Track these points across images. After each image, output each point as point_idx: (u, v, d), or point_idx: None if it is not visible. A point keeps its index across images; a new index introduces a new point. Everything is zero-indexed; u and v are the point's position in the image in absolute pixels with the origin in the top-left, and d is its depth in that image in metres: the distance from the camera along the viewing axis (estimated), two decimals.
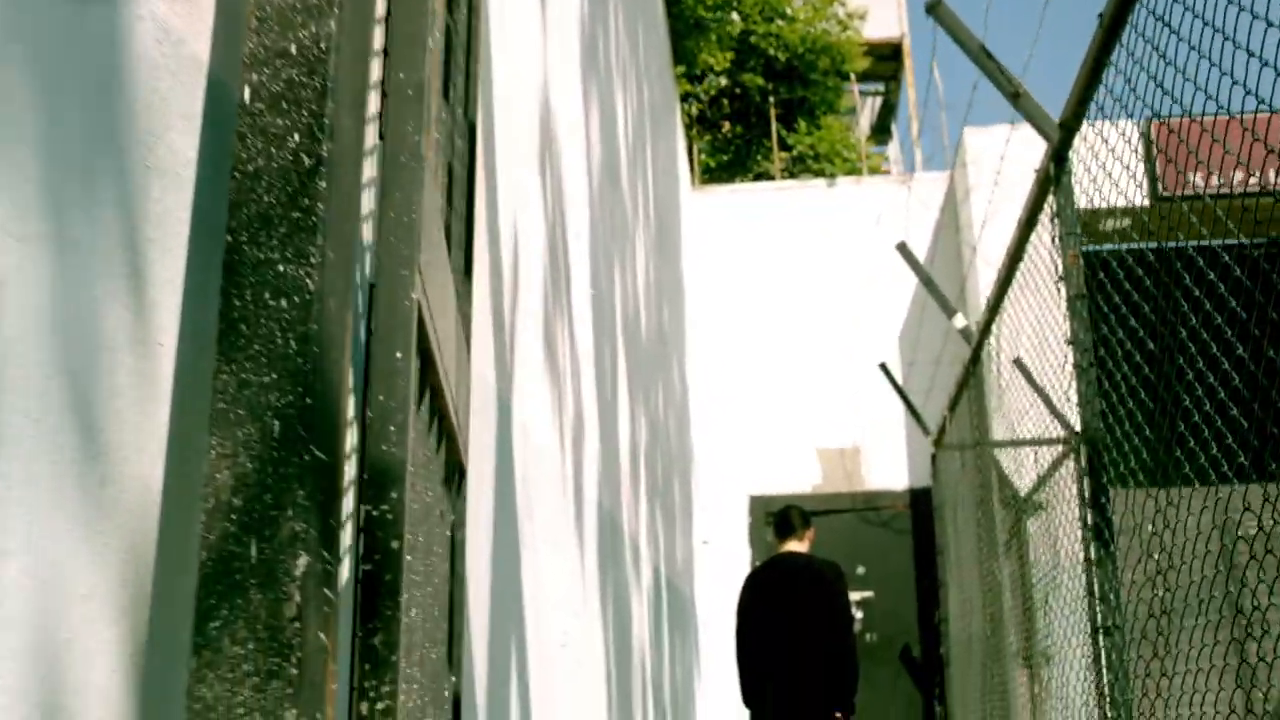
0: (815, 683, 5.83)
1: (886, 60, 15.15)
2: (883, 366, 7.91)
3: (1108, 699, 2.96)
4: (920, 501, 9.92)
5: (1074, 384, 5.95)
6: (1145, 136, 9.46)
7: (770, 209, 10.39)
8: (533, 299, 3.57)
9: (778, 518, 6.22)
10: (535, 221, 3.67)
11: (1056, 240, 3.28)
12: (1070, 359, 5.34)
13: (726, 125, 13.04)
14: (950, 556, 7.42)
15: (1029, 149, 7.95)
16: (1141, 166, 3.82)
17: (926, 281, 5.69)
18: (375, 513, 1.34)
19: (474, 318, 2.87)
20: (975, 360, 5.32)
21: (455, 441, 2.13)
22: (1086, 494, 3.07)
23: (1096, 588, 3.09)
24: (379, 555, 1.33)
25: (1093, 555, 3.07)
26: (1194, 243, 3.02)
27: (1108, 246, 4.92)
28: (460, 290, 2.32)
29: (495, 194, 3.10)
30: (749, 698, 5.98)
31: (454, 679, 2.21)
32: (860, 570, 9.58)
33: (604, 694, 4.53)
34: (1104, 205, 3.52)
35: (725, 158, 12.77)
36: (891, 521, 9.81)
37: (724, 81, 12.56)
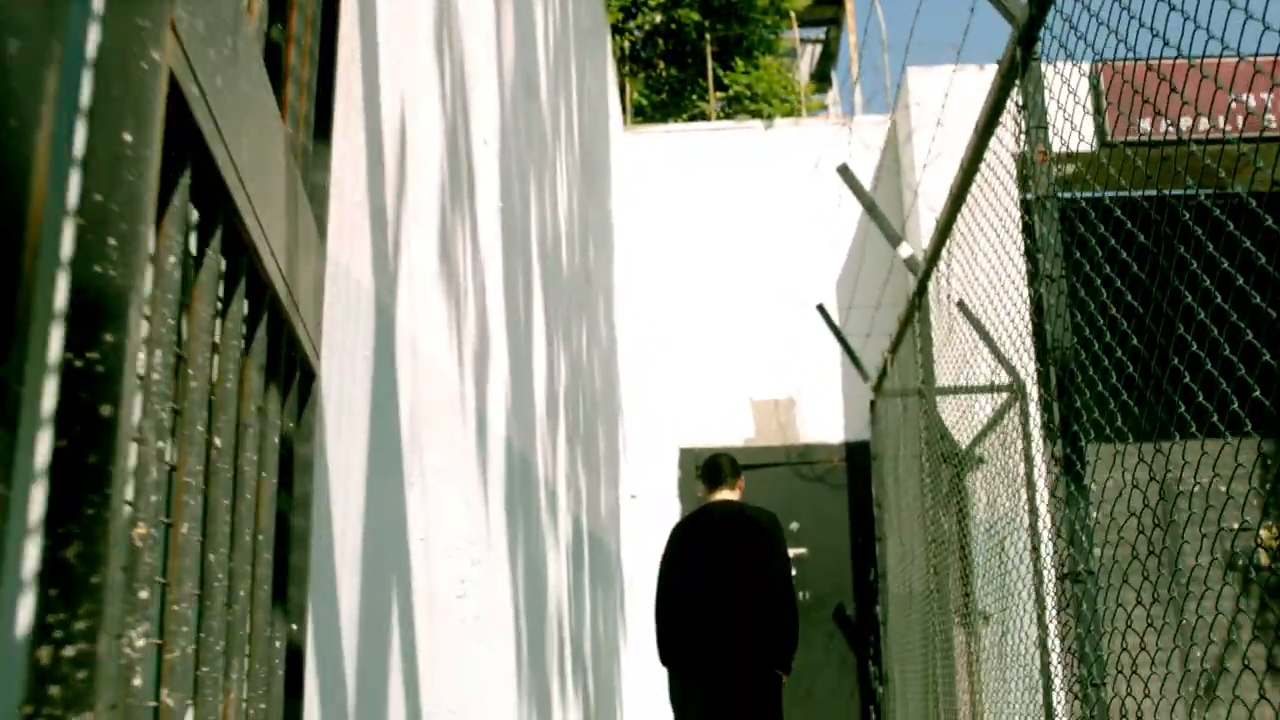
0: (751, 639, 5.44)
1: (827, 3, 14.74)
2: (820, 308, 7.52)
3: (1075, 654, 2.58)
4: (857, 456, 9.58)
5: (1023, 330, 5.58)
6: (1093, 81, 9.12)
7: (705, 150, 9.94)
8: (426, 199, 3.12)
9: (706, 466, 5.84)
10: (432, 111, 3.22)
11: (1021, 138, 2.88)
12: (1025, 296, 4.98)
13: (661, 65, 12.56)
14: (889, 509, 7.06)
15: (973, 89, 7.56)
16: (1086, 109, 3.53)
17: (869, 207, 5.30)
18: (79, 363, 0.91)
19: (341, 202, 2.43)
20: (921, 292, 4.93)
21: (289, 327, 1.69)
22: (1055, 423, 2.68)
23: (1064, 530, 2.71)
24: (79, 425, 0.90)
25: (1060, 493, 2.69)
26: (1141, 192, 2.83)
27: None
28: (302, 148, 1.88)
29: (376, 61, 2.65)
30: (668, 655, 5.60)
31: (292, 626, 1.79)
32: (794, 527, 9.23)
33: (512, 652, 4.12)
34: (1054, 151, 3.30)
35: (660, 98, 12.30)
36: (827, 476, 9.46)
37: (659, 18, 12.08)
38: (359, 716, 2.46)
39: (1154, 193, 2.70)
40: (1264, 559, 9.70)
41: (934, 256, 4.54)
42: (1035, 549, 6.63)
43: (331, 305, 2.35)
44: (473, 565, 3.54)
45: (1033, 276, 3.94)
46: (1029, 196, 2.82)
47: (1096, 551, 2.96)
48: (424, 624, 2.98)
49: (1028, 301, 4.74)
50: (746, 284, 9.75)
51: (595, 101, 7.92)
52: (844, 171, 5.39)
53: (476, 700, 3.57)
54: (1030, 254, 2.88)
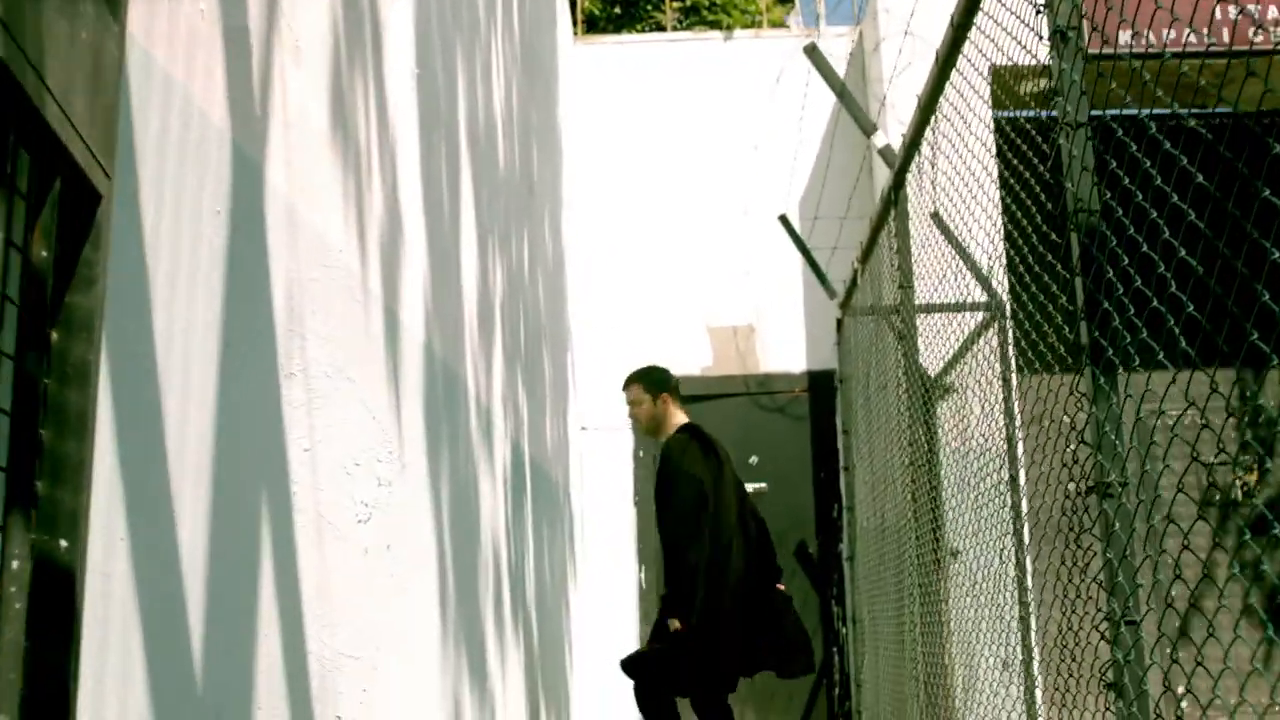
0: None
1: None
2: (783, 219, 6.97)
3: (1104, 586, 2.09)
4: (820, 385, 9.10)
5: (999, 250, 5.07)
6: None
7: (661, 63, 9.34)
8: (307, 33, 2.56)
9: (670, 377, 5.38)
10: None
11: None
12: (997, 209, 4.47)
13: None
14: (858, 436, 6.58)
15: None
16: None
17: (840, 92, 4.78)
18: None
19: (195, 35, 1.88)
20: (898, 185, 4.41)
21: (40, 122, 1.17)
22: (1079, 301, 2.17)
23: (1091, 432, 2.22)
24: None
25: (1086, 388, 2.19)
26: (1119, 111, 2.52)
27: (1026, 113, 4.04)
28: None
29: None
30: (730, 595, 5.24)
31: (61, 542, 1.28)
32: (753, 460, 8.74)
33: (435, 590, 3.61)
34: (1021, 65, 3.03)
35: (614, 10, 11.67)
36: (788, 407, 8.97)
37: None
38: (209, 662, 1.94)
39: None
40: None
41: (914, 141, 4.02)
42: (1014, 479, 6.19)
43: (160, 138, 1.81)
44: (380, 486, 3.02)
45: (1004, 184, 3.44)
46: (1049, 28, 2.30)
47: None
48: (308, 553, 2.46)
49: (998, 219, 4.24)
50: (704, 203, 9.21)
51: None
52: (812, 52, 4.86)
53: (388, 644, 3.06)
54: (1048, 96, 2.37)
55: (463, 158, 4.26)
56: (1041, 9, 2.56)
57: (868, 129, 4.64)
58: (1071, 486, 2.70)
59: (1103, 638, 2.18)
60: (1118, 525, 2.09)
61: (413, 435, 3.37)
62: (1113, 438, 2.16)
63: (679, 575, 5.09)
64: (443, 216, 3.90)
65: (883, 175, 7.64)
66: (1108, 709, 2.14)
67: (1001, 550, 5.72)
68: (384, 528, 3.05)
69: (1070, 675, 2.83)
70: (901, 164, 4.26)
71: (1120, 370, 2.24)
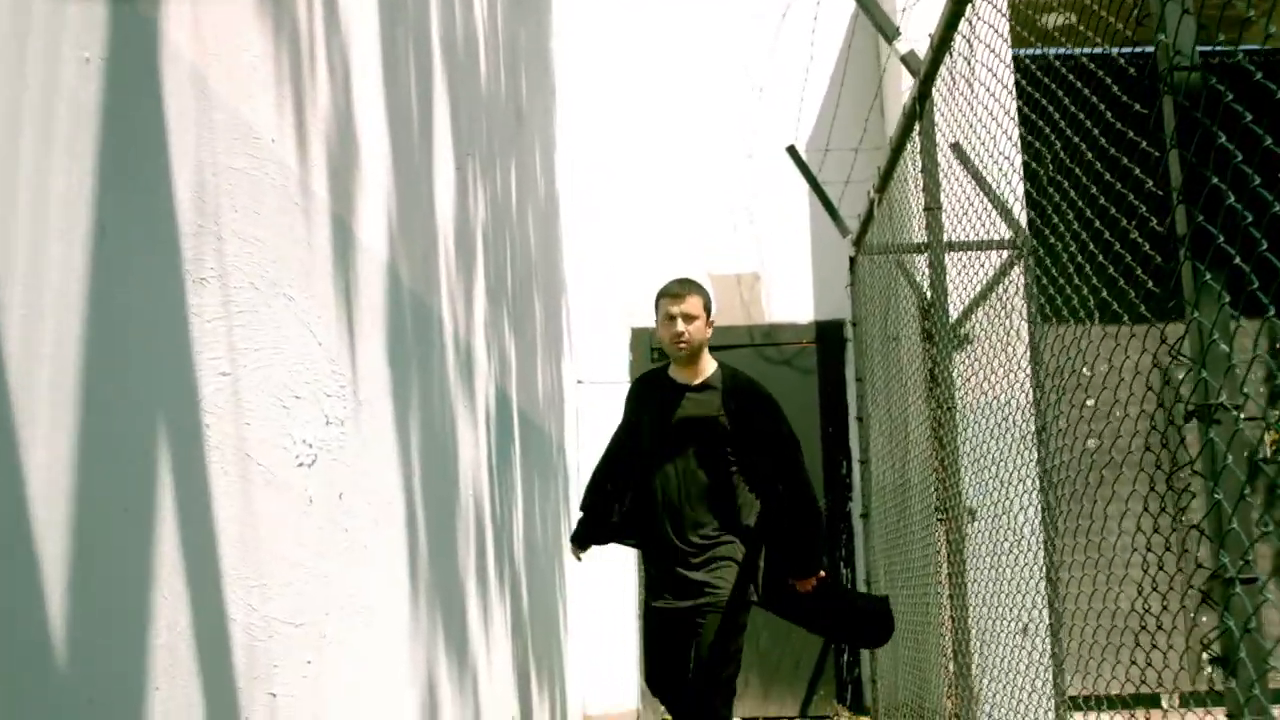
0: None
1: None
2: (791, 150, 6.48)
3: (1212, 534, 1.65)
4: (829, 336, 8.64)
5: (1021, 185, 4.61)
6: None
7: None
8: None
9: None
10: None
11: None
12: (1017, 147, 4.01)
13: None
14: (874, 385, 6.12)
15: None
16: None
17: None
18: None
19: None
20: (923, 97, 3.94)
21: None
22: (1174, 180, 1.73)
23: (1192, 341, 1.78)
24: None
25: (1188, 291, 1.75)
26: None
27: (1053, 51, 3.62)
28: None
29: None
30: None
31: None
32: None
33: (402, 546, 3.18)
34: None
35: None
36: (795, 359, 8.51)
37: None
38: (79, 637, 1.51)
39: None
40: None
41: (945, 39, 3.54)
42: (1040, 431, 5.75)
43: None
44: (328, 425, 2.58)
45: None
46: None
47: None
48: (226, 499, 2.03)
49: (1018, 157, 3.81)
50: (707, 147, 8.71)
51: None
52: None
53: (342, 609, 2.63)
54: None
55: (435, 63, 3.80)
56: None
57: (889, 33, 4.19)
58: (1159, 417, 2.27)
59: (1206, 600, 1.75)
60: (1230, 459, 1.65)
61: (372, 369, 2.93)
62: (1224, 347, 1.72)
63: (810, 517, 4.52)
64: (409, 125, 3.44)
65: (897, 110, 7.16)
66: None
67: (1040, 504, 5.29)
68: (334, 473, 2.61)
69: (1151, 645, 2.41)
70: (928, 69, 3.80)
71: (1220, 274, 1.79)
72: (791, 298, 8.60)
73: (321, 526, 2.52)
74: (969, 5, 3.28)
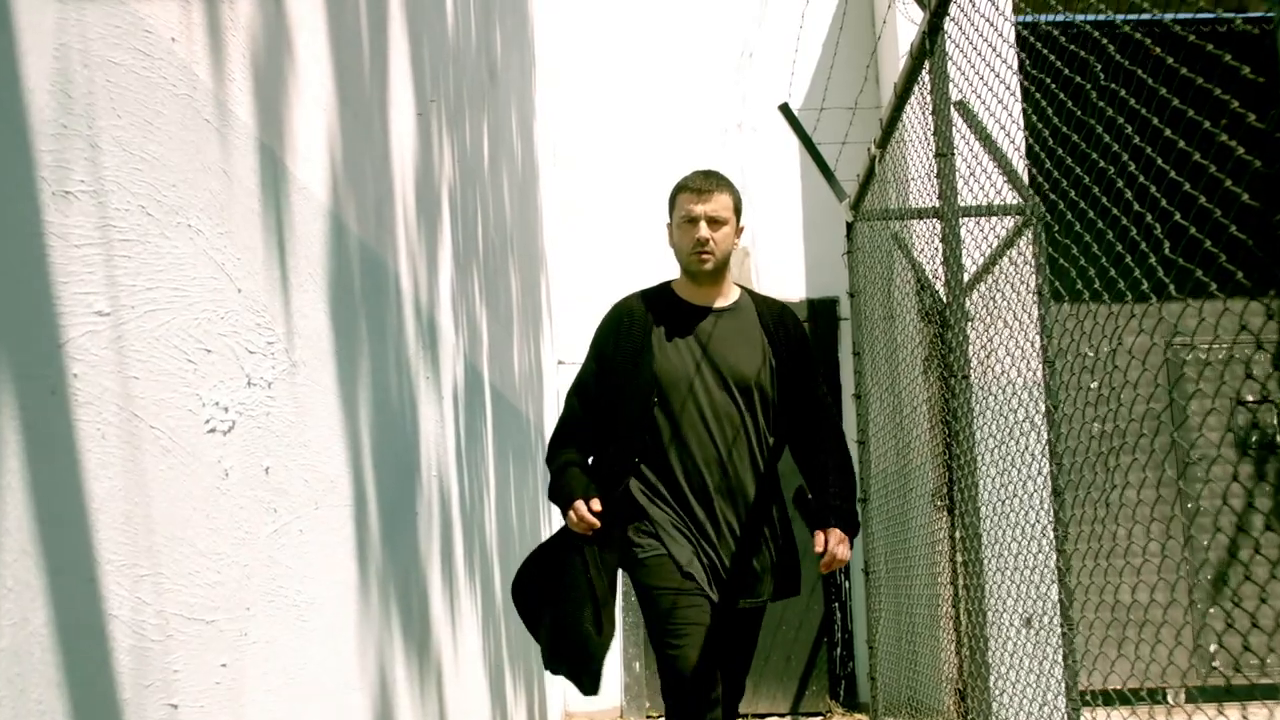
0: None
1: None
2: (784, 108, 6.09)
3: None
4: (822, 315, 8.27)
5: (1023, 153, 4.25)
6: None
7: None
8: None
9: None
10: None
11: None
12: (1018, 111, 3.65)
13: None
14: (872, 360, 5.74)
15: None
16: None
17: None
18: None
19: None
20: (934, 31, 3.55)
21: None
22: None
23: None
24: None
25: None
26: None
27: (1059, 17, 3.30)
28: None
29: None
30: None
31: None
32: None
33: (348, 529, 2.79)
34: None
35: None
36: None
37: None
38: None
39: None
40: None
41: None
42: (1051, 412, 5.40)
43: None
44: (250, 386, 2.19)
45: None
46: None
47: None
48: (104, 470, 1.64)
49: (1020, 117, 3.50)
50: (694, 118, 8.33)
51: None
52: None
53: (268, 603, 2.25)
54: None
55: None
56: None
57: None
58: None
59: None
60: None
61: (310, 327, 2.54)
62: None
63: (850, 469, 3.60)
64: (358, 54, 3.05)
65: (893, 75, 6.78)
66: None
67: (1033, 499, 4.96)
68: (259, 443, 2.22)
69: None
70: (934, 12, 3.42)
71: None
72: (783, 275, 8.23)
73: (242, 506, 2.13)
74: None
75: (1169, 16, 2.45)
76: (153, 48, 1.83)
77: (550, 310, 7.76)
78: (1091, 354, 3.74)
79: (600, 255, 8.18)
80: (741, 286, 3.69)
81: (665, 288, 3.65)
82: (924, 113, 3.79)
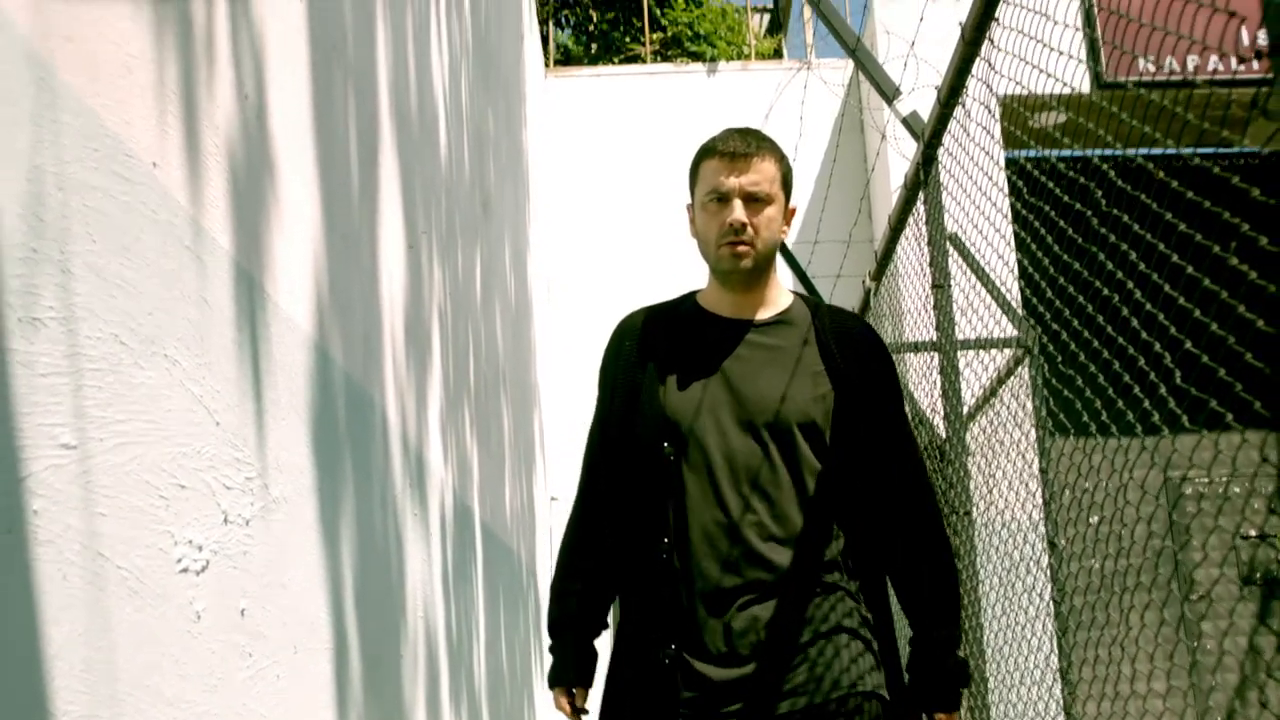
0: None
1: None
2: (781, 246, 6.08)
3: None
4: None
5: (1017, 288, 4.23)
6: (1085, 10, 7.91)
7: (639, 97, 8.51)
8: None
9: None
10: None
11: None
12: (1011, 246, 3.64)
13: (593, 11, 11.08)
14: None
15: (950, 20, 6.19)
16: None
17: (853, 50, 3.92)
18: None
19: None
20: (929, 162, 3.54)
21: None
22: None
23: None
24: None
25: None
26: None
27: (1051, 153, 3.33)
28: None
29: None
30: None
31: None
32: None
33: (328, 675, 2.67)
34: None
35: (594, 46, 10.84)
36: None
37: None
38: None
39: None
40: None
41: (955, 88, 3.15)
42: (1054, 549, 5.30)
43: None
44: (227, 524, 2.09)
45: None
46: None
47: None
48: (69, 611, 1.53)
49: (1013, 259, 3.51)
50: (690, 248, 8.34)
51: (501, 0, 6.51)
52: (816, 1, 4.02)
53: None
54: None
55: (382, 120, 3.38)
56: None
57: (889, 93, 3.81)
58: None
59: None
60: None
61: (290, 460, 2.45)
62: None
63: (951, 573, 2.50)
64: (347, 184, 3.01)
65: (887, 209, 6.80)
66: None
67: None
68: (234, 584, 2.12)
69: None
70: (934, 127, 3.41)
71: None
72: None
73: (214, 651, 2.01)
74: (986, 42, 2.90)
75: (1168, 151, 2.42)
76: (132, 172, 1.77)
77: (543, 444, 7.67)
78: (1091, 489, 3.67)
79: (594, 387, 8.11)
80: (798, 293, 2.67)
81: (687, 299, 2.69)
82: (919, 244, 3.77)
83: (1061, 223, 2.69)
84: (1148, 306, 2.28)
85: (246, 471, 2.19)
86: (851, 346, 2.49)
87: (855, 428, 2.41)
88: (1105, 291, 2.58)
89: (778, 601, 2.34)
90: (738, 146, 2.45)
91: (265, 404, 2.31)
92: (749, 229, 2.43)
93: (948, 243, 4.18)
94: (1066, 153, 2.97)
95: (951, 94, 3.19)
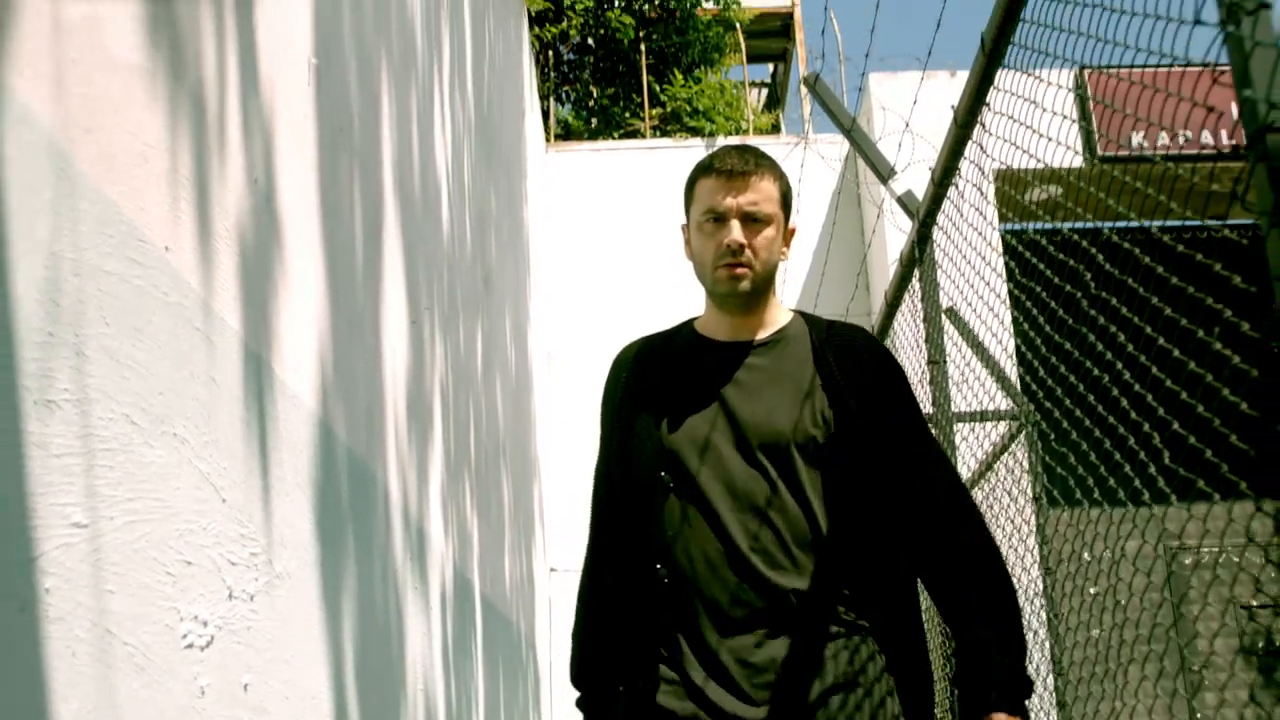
0: None
1: (776, 36, 13.58)
2: None
3: None
4: None
5: (1014, 359, 4.29)
6: (1078, 88, 8.03)
7: (639, 171, 8.63)
8: None
9: None
10: None
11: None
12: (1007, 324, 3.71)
13: (593, 87, 11.25)
14: None
15: (944, 96, 6.33)
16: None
17: (848, 131, 4.01)
18: None
19: None
20: (923, 240, 3.60)
21: None
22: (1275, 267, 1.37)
23: None
24: None
25: None
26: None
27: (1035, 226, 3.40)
28: None
29: None
30: None
31: None
32: None
33: None
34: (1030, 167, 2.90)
35: (592, 124, 10.99)
36: None
37: (585, 21, 10.65)
38: None
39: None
40: None
41: (948, 169, 3.22)
42: (1053, 622, 5.31)
43: None
44: (232, 599, 2.12)
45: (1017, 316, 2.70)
46: None
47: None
48: (75, 687, 1.56)
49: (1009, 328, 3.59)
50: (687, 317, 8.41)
51: (503, 79, 6.62)
52: (814, 84, 4.11)
53: None
54: None
55: (387, 201, 3.45)
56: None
57: (885, 173, 3.89)
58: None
59: None
60: None
61: (294, 535, 2.49)
62: None
63: (1007, 590, 2.22)
64: (352, 264, 3.07)
65: (884, 285, 6.87)
66: None
67: None
68: (238, 659, 2.14)
69: None
70: (929, 206, 3.48)
71: None
72: None
73: None
74: (978, 126, 2.98)
75: (1156, 223, 2.47)
76: (146, 256, 1.83)
77: (543, 515, 7.69)
78: (1090, 558, 3.69)
79: (594, 459, 8.13)
80: (799, 311, 2.52)
81: (685, 325, 2.62)
82: (915, 320, 3.82)
83: (1052, 303, 2.75)
84: (1136, 387, 2.33)
85: (251, 547, 2.22)
86: (853, 360, 2.37)
87: (860, 445, 2.27)
88: (1095, 371, 2.63)
89: (793, 641, 2.20)
90: (735, 164, 2.37)
91: (271, 480, 2.35)
92: (747, 251, 2.35)
93: (945, 317, 4.24)
94: (1057, 225, 3.02)
95: (945, 175, 3.27)
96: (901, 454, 2.30)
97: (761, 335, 2.43)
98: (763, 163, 2.40)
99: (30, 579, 1.48)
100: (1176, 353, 2.03)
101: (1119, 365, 2.49)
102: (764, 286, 2.40)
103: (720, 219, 2.36)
